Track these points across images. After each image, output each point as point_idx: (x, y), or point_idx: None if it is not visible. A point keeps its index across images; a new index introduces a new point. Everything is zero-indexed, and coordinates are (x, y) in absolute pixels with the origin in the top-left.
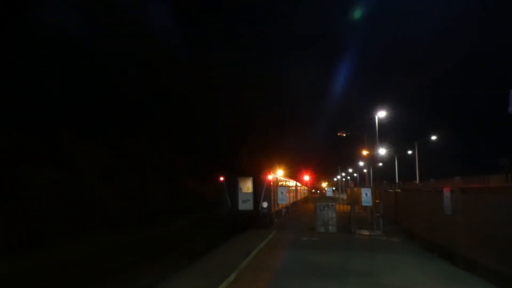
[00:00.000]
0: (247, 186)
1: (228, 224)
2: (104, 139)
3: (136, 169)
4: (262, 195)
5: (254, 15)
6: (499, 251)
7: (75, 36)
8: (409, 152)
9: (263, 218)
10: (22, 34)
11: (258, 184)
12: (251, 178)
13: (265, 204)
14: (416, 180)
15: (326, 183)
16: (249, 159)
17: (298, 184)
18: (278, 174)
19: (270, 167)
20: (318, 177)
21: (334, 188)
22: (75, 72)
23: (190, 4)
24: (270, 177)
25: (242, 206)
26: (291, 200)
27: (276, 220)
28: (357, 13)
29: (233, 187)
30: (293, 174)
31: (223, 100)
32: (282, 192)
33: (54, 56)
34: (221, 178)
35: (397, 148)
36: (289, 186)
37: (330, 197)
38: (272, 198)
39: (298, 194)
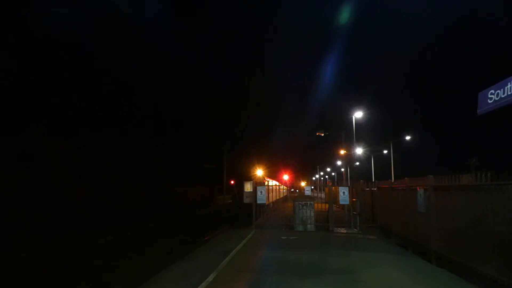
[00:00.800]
0: (248, 187)
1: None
2: (77, 138)
3: (114, 171)
4: None
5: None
6: (468, 246)
7: (48, 30)
8: (385, 151)
9: (262, 208)
10: None
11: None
12: (252, 181)
13: None
14: (391, 178)
15: (305, 182)
16: (250, 167)
17: (278, 184)
18: (267, 178)
19: (263, 173)
20: (297, 177)
21: (312, 187)
22: (47, 68)
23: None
24: (265, 182)
25: (246, 200)
26: (274, 198)
27: (257, 220)
28: (343, 18)
29: (240, 188)
30: (274, 174)
31: (211, 100)
32: (262, 192)
33: (24, 51)
34: (232, 182)
35: (374, 147)
36: (272, 187)
37: (308, 196)
38: (266, 195)
39: (279, 193)
